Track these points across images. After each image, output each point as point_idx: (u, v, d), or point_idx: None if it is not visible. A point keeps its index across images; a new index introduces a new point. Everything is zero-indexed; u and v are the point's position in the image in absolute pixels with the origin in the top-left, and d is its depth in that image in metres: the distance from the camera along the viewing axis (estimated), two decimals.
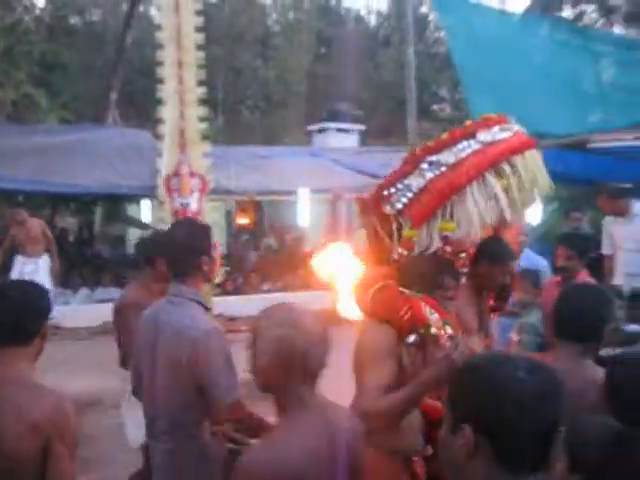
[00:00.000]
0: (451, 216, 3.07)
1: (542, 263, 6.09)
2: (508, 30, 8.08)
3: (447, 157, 3.05)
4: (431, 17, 26.79)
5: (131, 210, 16.97)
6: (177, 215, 6.17)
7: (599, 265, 6.53)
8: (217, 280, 5.98)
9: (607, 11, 22.30)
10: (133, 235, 16.03)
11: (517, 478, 1.52)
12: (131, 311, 4.21)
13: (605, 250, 6.72)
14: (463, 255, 3.36)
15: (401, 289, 3.04)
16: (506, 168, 3.17)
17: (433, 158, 3.05)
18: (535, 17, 10.11)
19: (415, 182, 3.04)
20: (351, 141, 19.09)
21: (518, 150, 3.24)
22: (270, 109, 26.27)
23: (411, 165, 3.10)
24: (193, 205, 6.32)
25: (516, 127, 3.40)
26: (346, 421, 2.26)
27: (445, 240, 3.09)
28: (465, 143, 3.11)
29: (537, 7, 20.25)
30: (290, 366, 2.10)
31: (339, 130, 19.14)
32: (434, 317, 2.95)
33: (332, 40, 28.29)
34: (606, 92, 7.34)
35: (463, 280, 3.41)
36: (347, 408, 2.36)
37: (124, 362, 4.50)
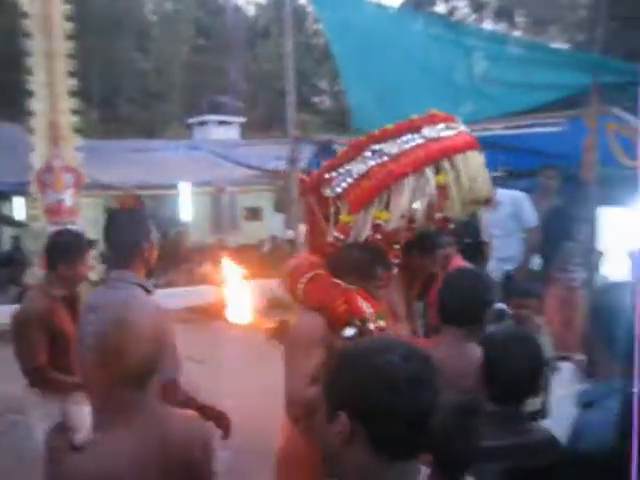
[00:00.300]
0: (387, 206, 3.08)
1: None
2: (384, 24, 8.18)
3: (390, 147, 3.06)
4: (310, 8, 26.95)
5: (4, 208, 16.22)
6: (51, 212, 5.90)
7: (479, 251, 6.77)
8: (95, 277, 5.76)
9: (478, 7, 23.19)
10: (7, 233, 15.37)
11: (392, 464, 1.52)
12: (34, 324, 3.95)
13: (484, 237, 6.97)
14: (397, 246, 3.38)
15: (336, 280, 3.02)
16: (446, 165, 3.19)
17: (376, 147, 3.06)
18: (410, 12, 10.31)
19: (356, 168, 3.04)
20: (232, 133, 18.97)
21: (460, 149, 3.27)
22: (149, 102, 25.68)
23: (354, 151, 3.10)
24: (68, 201, 6.07)
25: (461, 127, 3.42)
26: (183, 430, 2.03)
27: (376, 228, 3.09)
28: (409, 136, 3.12)
29: (411, 2, 20.77)
30: (104, 364, 1.92)
31: (220, 123, 18.97)
32: (369, 311, 2.96)
33: (211, 31, 27.96)
34: (477, 85, 7.57)
35: (396, 270, 3.43)
36: (192, 415, 2.14)
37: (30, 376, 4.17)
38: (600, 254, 8.77)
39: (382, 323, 2.96)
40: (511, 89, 7.56)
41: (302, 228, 12.42)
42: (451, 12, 23.20)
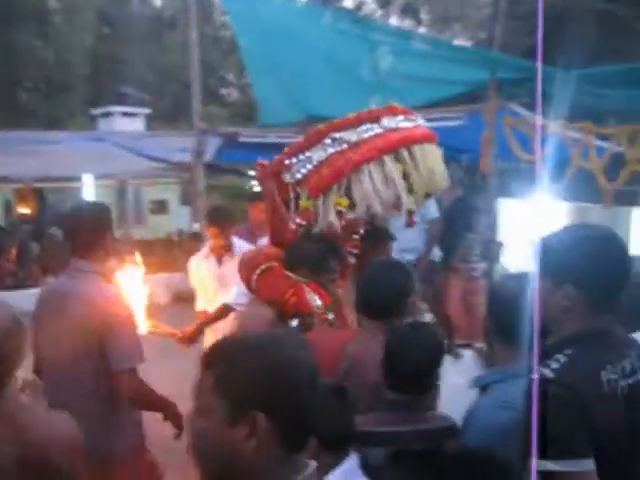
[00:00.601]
0: (348, 194, 3.14)
1: None
2: (292, 17, 8.18)
3: (350, 136, 3.12)
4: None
5: None
6: None
7: None
8: None
9: (385, 3, 23.49)
10: None
11: (292, 458, 1.46)
12: None
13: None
14: (356, 237, 3.40)
15: (288, 273, 3.06)
16: (405, 155, 3.25)
17: (336, 135, 3.12)
18: (317, 6, 10.34)
19: (316, 155, 3.11)
20: (137, 125, 18.60)
21: (418, 140, 3.34)
22: (51, 92, 24.79)
23: (315, 139, 3.16)
24: None
25: (420, 120, 3.50)
26: (43, 434, 1.95)
27: (339, 215, 3.16)
28: (369, 125, 3.19)
29: None
30: None
31: (125, 114, 18.58)
32: (317, 304, 2.98)
33: (116, 20, 27.22)
34: (383, 79, 7.68)
35: (353, 260, 3.44)
36: (57, 419, 2.07)
37: None
38: (500, 245, 9.07)
39: (330, 316, 2.99)
40: (415, 84, 7.72)
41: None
42: (359, 7, 23.36)
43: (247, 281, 3.21)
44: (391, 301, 2.87)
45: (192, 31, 8.74)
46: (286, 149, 3.24)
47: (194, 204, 8.46)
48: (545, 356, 2.01)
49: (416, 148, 3.35)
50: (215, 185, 13.67)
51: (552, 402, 1.91)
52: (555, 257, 2.05)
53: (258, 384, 1.40)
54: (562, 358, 2.00)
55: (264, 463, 1.40)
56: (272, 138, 8.20)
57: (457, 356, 4.12)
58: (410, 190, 3.35)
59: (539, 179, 6.49)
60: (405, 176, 3.30)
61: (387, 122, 3.27)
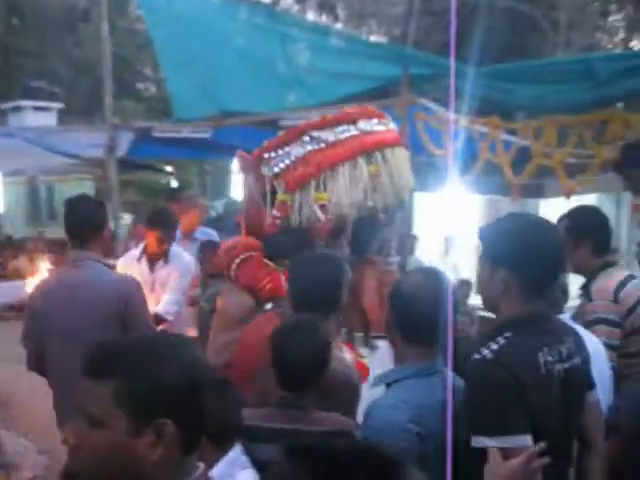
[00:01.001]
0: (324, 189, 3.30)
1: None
2: (207, 11, 8.10)
3: (328, 135, 3.28)
4: None
5: None
6: None
7: None
8: None
9: None
10: None
11: (190, 464, 1.44)
12: None
13: None
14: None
15: (266, 261, 3.24)
16: (378, 157, 3.42)
17: (315, 134, 3.26)
18: (233, 0, 10.27)
19: (295, 151, 3.24)
20: (49, 120, 18.06)
21: (390, 144, 3.51)
22: None
23: (294, 135, 3.29)
24: None
25: (391, 124, 3.68)
26: None
27: (322, 209, 3.31)
28: (346, 127, 3.34)
29: None
30: None
31: (36, 109, 18.02)
32: None
33: (26, 11, 26.28)
34: (298, 75, 7.71)
35: None
36: None
37: None
38: (415, 238, 9.25)
39: None
40: (329, 79, 7.77)
41: (126, 217, 12.04)
42: (275, 2, 23.27)
43: (227, 269, 3.37)
44: (324, 293, 2.81)
45: (104, 23, 8.56)
46: (266, 143, 3.33)
47: (108, 200, 8.27)
48: (489, 338, 2.11)
49: (388, 151, 3.52)
50: (129, 181, 13.42)
51: (490, 381, 2.00)
52: (492, 242, 2.17)
53: (162, 391, 1.34)
54: (501, 340, 2.06)
55: (166, 470, 1.36)
56: (186, 133, 8.11)
57: (372, 348, 4.18)
58: (376, 190, 3.51)
59: (450, 173, 6.66)
60: (375, 176, 3.47)
61: (363, 125, 3.43)
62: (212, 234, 6.16)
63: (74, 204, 3.70)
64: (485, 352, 2.05)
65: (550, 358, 2.08)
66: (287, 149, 3.29)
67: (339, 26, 21.18)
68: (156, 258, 5.00)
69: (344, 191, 3.33)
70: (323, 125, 3.37)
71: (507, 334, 2.07)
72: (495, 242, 2.16)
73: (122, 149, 8.64)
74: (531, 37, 14.51)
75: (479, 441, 1.98)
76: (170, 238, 4.98)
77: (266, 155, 3.30)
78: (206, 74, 8.08)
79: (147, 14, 9.51)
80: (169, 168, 13.98)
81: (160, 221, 4.95)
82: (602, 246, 3.38)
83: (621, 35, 15.14)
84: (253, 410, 2.38)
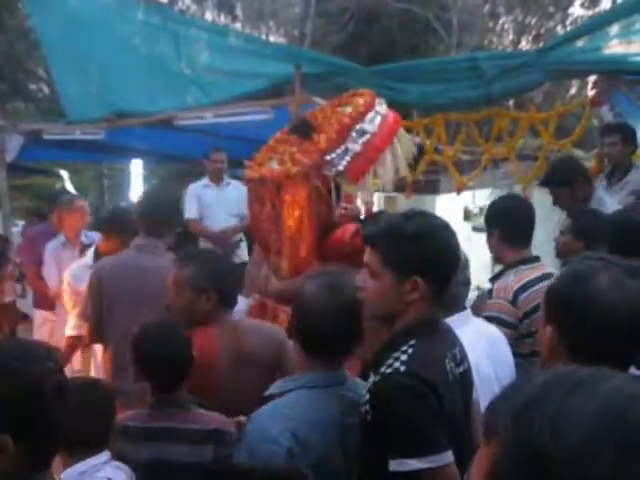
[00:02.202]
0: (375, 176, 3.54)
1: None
2: (100, 10, 7.89)
3: (367, 126, 3.48)
4: None
5: None
6: None
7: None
8: None
9: None
10: None
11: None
12: None
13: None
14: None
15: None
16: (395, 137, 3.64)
17: (358, 127, 3.47)
18: (131, 0, 10.06)
19: (351, 147, 3.43)
20: None
21: (399, 124, 3.73)
22: None
23: (345, 132, 3.46)
24: None
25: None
26: None
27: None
28: (373, 114, 3.53)
29: None
30: None
31: None
32: None
33: None
34: (196, 74, 7.62)
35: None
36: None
37: None
38: None
39: None
40: (226, 78, 7.72)
41: (20, 224, 11.56)
42: (173, 2, 22.95)
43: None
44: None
45: None
46: (324, 146, 3.48)
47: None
48: (390, 348, 1.99)
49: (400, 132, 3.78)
50: (21, 185, 12.92)
51: (409, 396, 1.85)
52: (402, 249, 1.99)
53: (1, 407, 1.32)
54: (409, 349, 1.94)
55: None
56: (78, 135, 7.87)
57: None
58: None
59: None
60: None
61: (380, 109, 3.61)
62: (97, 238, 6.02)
63: (150, 194, 4.08)
64: (395, 364, 1.92)
65: (452, 364, 2.01)
66: (343, 147, 3.47)
67: (238, 26, 21.11)
68: None
69: (391, 173, 3.57)
70: (360, 116, 3.54)
71: (411, 341, 1.96)
72: (406, 249, 1.98)
73: (12, 153, 8.30)
74: (426, 38, 14.87)
75: (405, 464, 1.80)
76: (128, 243, 4.44)
77: (328, 157, 3.45)
78: (99, 74, 7.88)
79: (32, 11, 9.19)
80: (64, 172, 13.54)
81: (119, 226, 4.58)
82: (512, 237, 3.26)
83: (510, 37, 15.71)
84: (130, 412, 2.38)
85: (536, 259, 3.32)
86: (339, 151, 3.49)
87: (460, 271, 2.60)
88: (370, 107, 3.62)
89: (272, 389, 2.27)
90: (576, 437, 0.74)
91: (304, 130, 3.70)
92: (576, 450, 0.74)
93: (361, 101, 3.68)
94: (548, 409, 0.77)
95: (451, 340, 2.10)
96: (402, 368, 1.90)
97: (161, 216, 3.92)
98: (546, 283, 3.08)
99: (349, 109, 3.66)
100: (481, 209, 9.79)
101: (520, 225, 3.33)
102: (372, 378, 1.98)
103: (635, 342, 1.61)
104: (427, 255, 1.98)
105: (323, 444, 2.09)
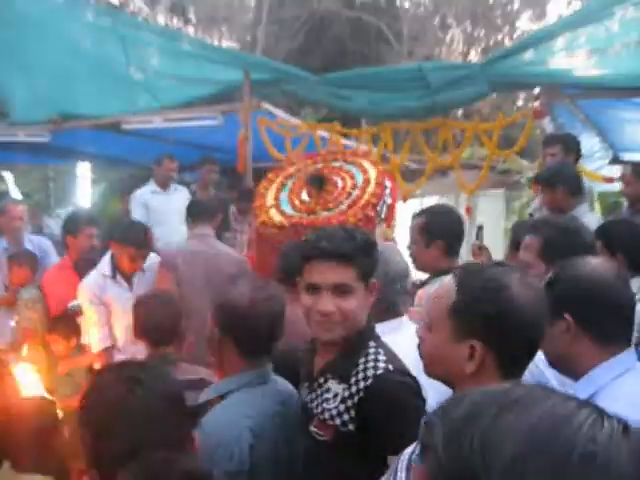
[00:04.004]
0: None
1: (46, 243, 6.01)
2: (52, 12, 7.74)
3: (387, 183, 4.36)
4: None
5: None
6: None
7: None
8: None
9: (151, 1, 23.04)
10: None
11: None
12: None
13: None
14: None
15: None
16: None
17: (386, 183, 4.31)
18: (80, 2, 9.89)
19: (387, 200, 4.23)
20: None
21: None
22: None
23: (381, 190, 4.21)
24: None
25: None
26: None
27: None
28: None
29: None
30: None
31: None
32: None
33: None
34: (151, 78, 7.55)
35: None
36: None
37: None
38: None
39: None
40: (175, 83, 7.67)
41: None
42: (125, 4, 22.67)
43: None
44: None
45: None
46: (373, 202, 4.18)
47: None
48: (354, 353, 2.04)
49: None
50: None
51: (408, 391, 1.96)
52: (372, 262, 2.08)
53: None
54: (378, 350, 2.04)
55: None
56: (22, 137, 7.74)
57: None
58: None
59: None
60: None
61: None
62: (43, 242, 5.92)
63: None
64: (379, 365, 1.99)
65: None
66: (382, 201, 4.20)
67: (190, 30, 20.97)
68: (130, 273, 4.47)
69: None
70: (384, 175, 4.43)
71: (371, 344, 2.05)
72: (367, 262, 2.06)
73: None
74: (377, 47, 15.00)
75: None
76: (144, 256, 4.44)
77: (378, 208, 4.16)
78: (45, 75, 7.75)
79: None
80: (7, 174, 13.26)
81: (139, 237, 4.38)
82: (453, 248, 3.35)
83: (460, 48, 15.96)
84: None
85: None
86: (382, 203, 4.21)
87: (401, 279, 2.67)
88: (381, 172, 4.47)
89: (210, 393, 2.27)
90: (506, 457, 0.75)
91: (319, 183, 4.30)
92: (506, 470, 0.74)
93: (366, 163, 4.56)
94: (480, 428, 0.78)
95: None
96: (390, 366, 1.98)
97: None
98: None
99: (354, 168, 4.46)
100: None
101: (461, 238, 3.43)
102: (337, 384, 2.03)
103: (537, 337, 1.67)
104: (376, 264, 2.11)
105: (273, 434, 2.16)
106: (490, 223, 9.76)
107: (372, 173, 4.39)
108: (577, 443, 0.75)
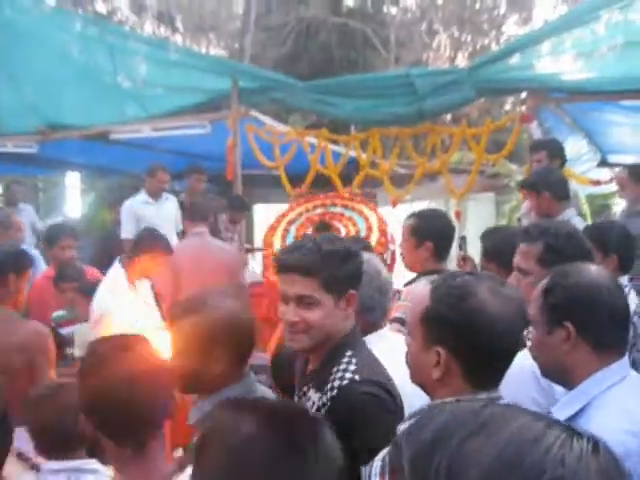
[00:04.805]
0: None
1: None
2: (40, 22, 7.71)
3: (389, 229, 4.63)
4: None
5: None
6: None
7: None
8: None
9: (139, 9, 23.03)
10: None
11: None
12: None
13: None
14: None
15: None
16: None
17: (388, 229, 4.58)
18: (64, 10, 9.85)
19: (390, 247, 4.46)
20: None
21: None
22: None
23: (385, 238, 4.47)
24: None
25: None
26: None
27: None
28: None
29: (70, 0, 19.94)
30: None
31: None
32: None
33: None
34: (139, 87, 7.54)
35: None
36: None
37: None
38: (255, 251, 9.28)
39: None
40: (164, 91, 7.68)
41: None
42: (112, 12, 22.64)
43: None
44: None
45: None
46: (380, 251, 4.40)
47: None
48: (329, 364, 2.01)
49: None
50: None
51: (373, 402, 1.90)
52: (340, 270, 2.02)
53: None
54: (352, 359, 1.99)
55: None
56: (10, 148, 7.72)
57: None
58: None
59: (284, 185, 6.73)
60: None
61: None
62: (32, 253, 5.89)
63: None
64: (347, 375, 1.95)
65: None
66: (387, 249, 4.54)
67: (178, 38, 20.96)
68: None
69: None
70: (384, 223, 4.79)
71: (348, 353, 2.01)
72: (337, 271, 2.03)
73: None
74: (364, 53, 15.03)
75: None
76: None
77: (385, 256, 4.37)
78: (32, 85, 7.74)
79: None
80: None
81: (155, 243, 4.43)
82: (442, 250, 3.40)
83: (447, 53, 16.00)
84: None
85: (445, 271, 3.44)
86: (388, 252, 4.43)
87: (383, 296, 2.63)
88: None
89: (196, 414, 2.16)
90: None
91: (325, 231, 4.42)
92: None
93: (365, 209, 4.82)
94: (447, 451, 0.78)
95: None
96: (357, 377, 1.94)
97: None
98: None
99: (354, 215, 4.69)
100: None
101: (450, 241, 3.50)
102: (315, 393, 2.01)
103: (513, 346, 1.66)
104: (360, 272, 2.09)
105: None
106: (480, 227, 9.79)
107: (373, 220, 4.47)
108: (546, 468, 0.74)
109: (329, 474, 1.14)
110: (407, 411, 2.00)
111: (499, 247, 3.37)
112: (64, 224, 6.31)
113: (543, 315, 1.87)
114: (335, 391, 1.95)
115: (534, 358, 1.95)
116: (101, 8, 22.95)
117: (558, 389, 2.08)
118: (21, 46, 7.52)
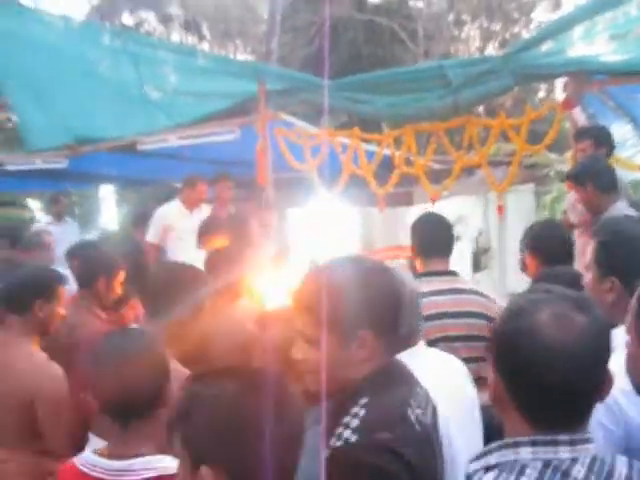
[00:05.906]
0: None
1: None
2: (67, 38, 7.69)
3: None
4: None
5: None
6: None
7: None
8: None
9: (165, 19, 23.11)
10: None
11: None
12: None
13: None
14: None
15: None
16: None
17: None
18: (96, 25, 9.84)
19: None
20: None
21: None
22: None
23: None
24: None
25: None
26: None
27: None
28: None
29: (97, 14, 20.09)
30: None
31: None
32: None
33: None
34: (169, 97, 7.48)
35: None
36: None
37: None
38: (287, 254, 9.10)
39: None
40: (191, 99, 7.59)
41: None
42: (139, 24, 22.81)
43: None
44: None
45: None
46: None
47: None
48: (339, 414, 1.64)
49: None
50: None
51: (362, 473, 1.53)
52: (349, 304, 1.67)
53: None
54: (361, 411, 1.61)
55: None
56: (40, 164, 7.67)
57: None
58: None
59: (317, 188, 6.58)
60: None
61: None
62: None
63: None
64: (345, 434, 1.58)
65: (418, 410, 1.67)
66: None
67: (205, 46, 20.96)
68: None
69: None
70: None
71: (362, 400, 1.64)
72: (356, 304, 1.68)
73: None
74: (392, 48, 14.82)
75: None
76: None
77: None
78: (60, 101, 7.70)
79: None
80: (36, 202, 13.31)
81: None
82: (428, 250, 3.29)
83: (477, 44, 15.73)
84: None
85: (451, 273, 3.34)
86: None
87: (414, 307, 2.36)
88: None
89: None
90: None
91: None
92: None
93: None
94: None
95: (408, 379, 1.78)
96: (354, 438, 1.57)
97: None
98: (450, 297, 3.13)
99: None
100: (459, 217, 9.68)
101: (437, 241, 3.38)
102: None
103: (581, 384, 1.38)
104: (376, 307, 1.70)
105: None
106: (520, 220, 9.50)
107: None
108: None
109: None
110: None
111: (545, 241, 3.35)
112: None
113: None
114: (329, 451, 1.59)
115: (628, 371, 1.65)
116: (128, 20, 23.15)
117: (631, 414, 1.84)
118: (48, 63, 7.49)
